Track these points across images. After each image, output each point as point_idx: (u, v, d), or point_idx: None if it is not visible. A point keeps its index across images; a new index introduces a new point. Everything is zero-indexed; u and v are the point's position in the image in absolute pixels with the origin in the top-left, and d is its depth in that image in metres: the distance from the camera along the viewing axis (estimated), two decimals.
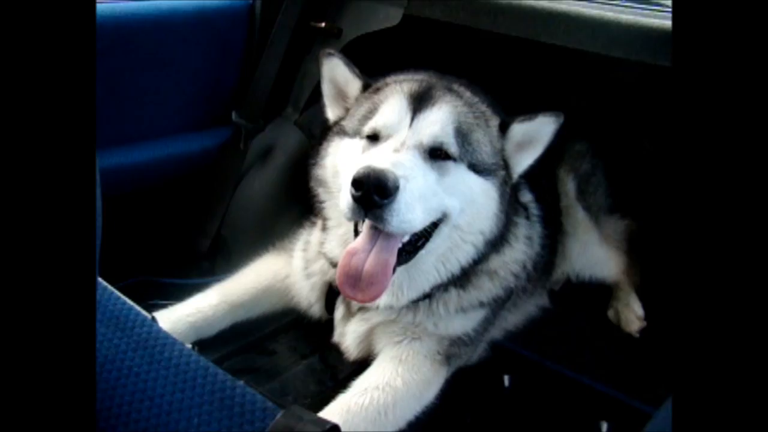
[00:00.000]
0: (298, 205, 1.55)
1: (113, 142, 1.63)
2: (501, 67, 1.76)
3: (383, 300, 1.29)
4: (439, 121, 1.20)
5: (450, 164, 1.20)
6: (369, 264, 1.11)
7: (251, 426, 0.53)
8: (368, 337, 1.38)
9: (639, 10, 1.52)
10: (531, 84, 1.81)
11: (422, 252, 1.22)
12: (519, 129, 1.29)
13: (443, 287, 1.32)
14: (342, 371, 1.45)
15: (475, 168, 1.23)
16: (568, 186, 1.79)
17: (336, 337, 1.44)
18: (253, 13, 1.92)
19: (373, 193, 1.04)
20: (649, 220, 1.84)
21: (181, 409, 0.55)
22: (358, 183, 1.04)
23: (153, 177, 1.77)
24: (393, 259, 1.14)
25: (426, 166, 1.16)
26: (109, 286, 0.70)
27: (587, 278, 1.85)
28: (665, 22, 1.37)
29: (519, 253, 1.40)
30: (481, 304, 1.36)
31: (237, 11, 1.91)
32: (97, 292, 0.59)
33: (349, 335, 1.39)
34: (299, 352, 1.52)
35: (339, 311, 1.42)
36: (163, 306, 1.44)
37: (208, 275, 1.79)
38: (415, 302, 1.32)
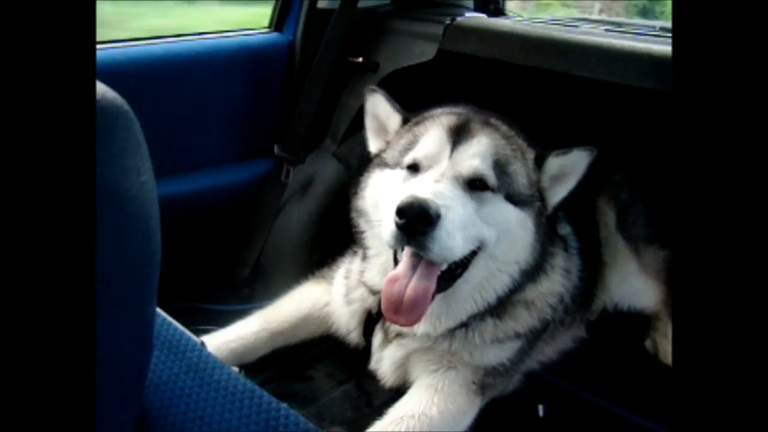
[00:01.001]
0: (336, 235, 1.59)
1: (161, 173, 1.71)
2: (535, 101, 1.79)
3: (421, 327, 1.31)
4: (478, 153, 1.24)
5: (488, 195, 1.23)
6: (410, 289, 1.15)
7: None
8: (404, 365, 1.40)
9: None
10: (566, 117, 1.83)
11: (460, 281, 1.25)
12: (554, 162, 1.32)
13: (480, 317, 1.33)
14: (377, 398, 1.46)
15: (512, 199, 1.26)
16: (608, 216, 1.79)
17: (373, 364, 1.47)
18: (293, 49, 2.00)
19: (417, 222, 1.08)
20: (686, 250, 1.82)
21: (230, 429, 0.59)
22: (401, 211, 1.08)
23: (197, 206, 1.84)
24: (433, 286, 1.17)
25: (465, 196, 1.19)
26: (162, 312, 0.75)
27: (625, 308, 1.83)
28: None
29: (556, 284, 1.41)
30: (517, 335, 1.37)
31: (278, 47, 2.00)
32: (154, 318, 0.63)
33: (385, 361, 1.42)
34: (336, 379, 1.54)
35: (377, 338, 1.45)
36: (205, 331, 1.49)
37: (248, 302, 1.84)
38: (451, 331, 1.34)
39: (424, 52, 1.84)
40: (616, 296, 1.81)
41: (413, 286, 1.16)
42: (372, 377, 1.47)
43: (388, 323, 1.40)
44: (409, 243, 1.12)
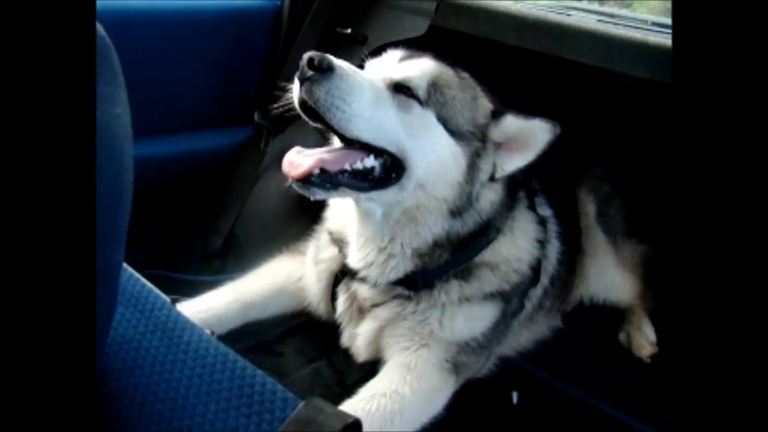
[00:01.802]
0: (314, 209, 1.54)
1: (135, 132, 1.65)
2: (525, 83, 1.76)
3: (373, 270, 1.31)
4: (416, 67, 1.24)
5: (415, 105, 1.21)
6: (303, 155, 1.19)
7: (271, 415, 0.52)
8: (377, 340, 1.37)
9: (668, 35, 1.53)
10: (552, 100, 1.80)
11: (393, 203, 1.24)
12: (511, 122, 1.27)
13: (444, 279, 1.31)
14: (350, 377, 1.43)
15: (446, 124, 1.22)
16: (589, 207, 1.79)
17: (345, 340, 1.44)
18: (279, 16, 1.93)
19: (307, 68, 1.10)
20: (665, 245, 1.84)
21: (198, 394, 0.54)
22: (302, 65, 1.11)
23: (171, 171, 1.78)
24: (329, 159, 1.17)
25: (386, 93, 1.19)
26: (129, 268, 0.69)
27: (601, 300, 1.84)
28: None
29: (522, 251, 1.39)
30: (485, 297, 1.34)
31: (264, 13, 1.93)
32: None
33: (359, 337, 1.38)
34: (307, 355, 1.50)
35: (343, 306, 1.42)
36: (174, 301, 1.43)
37: (219, 274, 1.79)
38: (409, 285, 1.31)
39: (415, 27, 1.79)
40: (593, 288, 1.82)
41: (308, 153, 1.19)
42: (345, 356, 1.44)
43: (353, 286, 1.38)
44: (301, 89, 1.13)
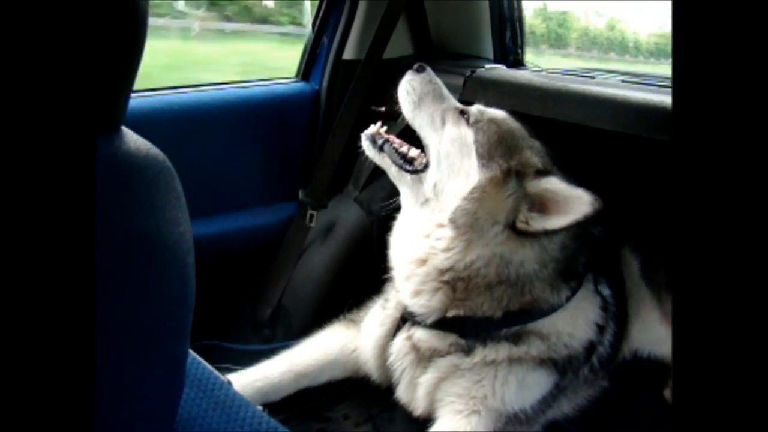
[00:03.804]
0: (357, 279, 1.62)
1: (191, 214, 1.78)
2: (555, 152, 1.83)
3: (419, 302, 1.39)
4: (482, 106, 1.52)
5: (463, 122, 1.44)
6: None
7: None
8: (435, 392, 1.41)
9: None
10: (585, 168, 1.85)
11: (413, 189, 1.45)
12: (553, 182, 1.33)
13: (494, 334, 1.36)
14: None
15: (478, 147, 1.38)
16: (632, 265, 1.79)
17: (401, 392, 1.48)
18: (318, 98, 2.09)
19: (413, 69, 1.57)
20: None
21: None
22: None
23: (223, 247, 1.90)
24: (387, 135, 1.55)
25: (452, 109, 1.50)
26: (192, 351, 0.79)
27: (645, 356, 1.82)
28: None
29: (577, 329, 1.43)
30: (536, 363, 1.38)
31: (304, 96, 2.09)
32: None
33: (420, 387, 1.43)
34: (353, 420, 1.56)
35: (397, 346, 1.47)
36: (227, 370, 1.53)
37: (268, 342, 1.87)
38: (460, 331, 1.37)
39: None
40: (637, 343, 1.80)
41: None
42: (390, 420, 1.49)
43: (411, 331, 1.44)
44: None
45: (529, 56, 2.36)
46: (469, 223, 1.32)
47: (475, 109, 1.48)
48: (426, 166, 1.44)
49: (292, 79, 2.15)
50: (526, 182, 1.34)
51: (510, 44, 2.26)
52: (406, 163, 1.46)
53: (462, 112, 1.47)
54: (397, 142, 1.50)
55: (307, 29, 2.16)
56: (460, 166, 1.38)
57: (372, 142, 1.51)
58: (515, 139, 1.41)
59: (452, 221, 1.33)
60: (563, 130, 1.73)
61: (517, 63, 2.28)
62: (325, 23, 2.08)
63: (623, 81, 1.93)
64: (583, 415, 1.60)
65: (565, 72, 2.12)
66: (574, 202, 1.28)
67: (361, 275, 1.57)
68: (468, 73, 1.94)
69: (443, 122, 1.46)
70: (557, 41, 2.79)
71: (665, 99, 1.57)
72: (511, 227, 1.32)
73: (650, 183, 1.87)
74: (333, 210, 2.02)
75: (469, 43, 2.26)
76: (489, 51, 2.25)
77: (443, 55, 2.23)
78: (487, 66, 2.05)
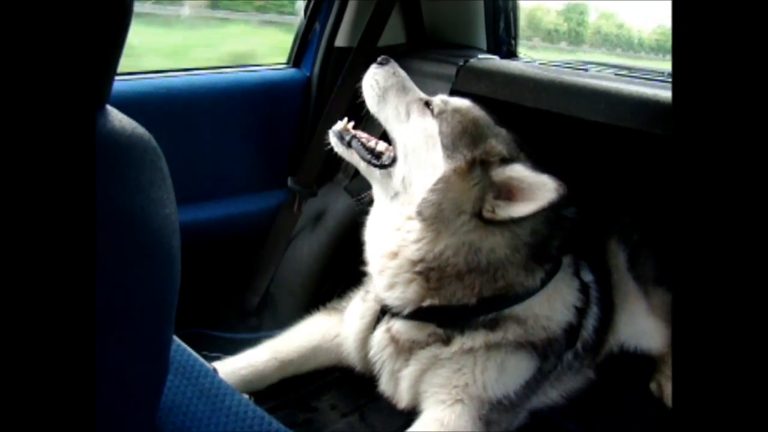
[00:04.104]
0: (346, 268, 1.61)
1: (178, 200, 1.76)
2: (545, 143, 1.83)
3: (394, 293, 1.38)
4: (447, 96, 1.53)
5: (428, 113, 1.44)
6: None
7: None
8: (418, 384, 1.41)
9: None
10: (575, 159, 1.86)
11: (384, 184, 1.44)
12: (518, 169, 1.32)
13: (471, 322, 1.36)
14: (381, 431, 1.47)
15: (443, 138, 1.38)
16: (619, 258, 1.80)
17: (384, 385, 1.48)
18: (310, 85, 2.07)
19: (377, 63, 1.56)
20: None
21: None
22: None
23: (211, 234, 1.88)
24: (355, 130, 1.54)
25: (417, 101, 1.49)
26: (177, 338, 0.77)
27: (632, 349, 1.83)
28: None
29: (555, 311, 1.43)
30: (514, 347, 1.38)
31: (295, 83, 2.07)
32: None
33: (403, 381, 1.43)
34: (340, 411, 1.55)
35: (377, 339, 1.47)
36: (214, 358, 1.51)
37: (256, 331, 1.86)
38: (437, 320, 1.37)
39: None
40: (623, 337, 1.81)
41: None
42: (377, 410, 1.48)
43: (390, 323, 1.44)
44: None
45: (551, 53, 2.35)
46: (436, 214, 1.31)
47: (439, 99, 1.48)
48: (394, 160, 1.43)
49: (284, 66, 2.13)
50: (492, 170, 1.33)
51: (503, 35, 2.25)
52: (374, 157, 1.46)
53: (426, 104, 1.47)
54: (364, 137, 1.50)
55: (299, 16, 2.14)
56: (426, 158, 1.37)
57: (339, 139, 1.51)
58: (479, 128, 1.40)
59: (419, 213, 1.33)
60: (555, 122, 1.73)
61: (510, 54, 2.27)
62: (317, 10, 2.06)
63: (616, 74, 1.93)
64: (569, 407, 1.61)
65: (558, 64, 2.12)
66: (539, 189, 1.28)
67: (349, 264, 1.56)
68: (461, 62, 1.93)
69: (408, 114, 1.45)
70: (575, 38, 3.05)
71: (658, 92, 1.57)
72: (479, 216, 1.31)
73: (642, 176, 1.88)
74: (323, 198, 2.00)
75: (463, 33, 2.25)
76: (482, 41, 2.24)
77: (436, 44, 2.21)
78: (480, 56, 2.04)
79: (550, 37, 3.01)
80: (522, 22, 2.32)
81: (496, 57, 2.11)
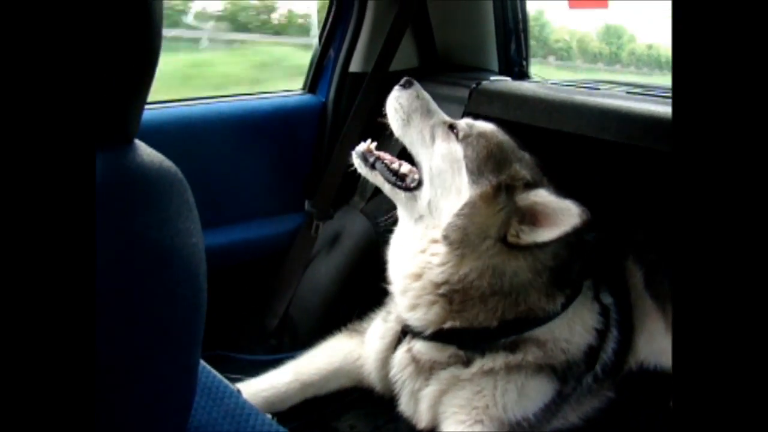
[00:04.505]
0: (363, 289, 1.64)
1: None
2: (559, 163, 1.85)
3: (416, 315, 1.39)
4: (471, 119, 1.52)
5: (452, 137, 1.44)
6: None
7: None
8: (438, 405, 1.42)
9: None
10: (588, 179, 1.86)
11: (409, 208, 1.46)
12: (542, 195, 1.33)
13: (492, 345, 1.37)
14: None
15: (468, 162, 1.39)
16: (636, 277, 1.78)
17: (404, 405, 1.48)
18: (325, 110, 2.11)
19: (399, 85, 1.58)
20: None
21: None
22: None
23: (231, 258, 1.92)
24: (379, 152, 1.54)
25: (441, 124, 1.49)
26: (202, 360, 0.80)
27: (651, 367, 1.82)
28: None
29: (575, 335, 1.43)
30: (534, 370, 1.38)
31: (311, 108, 2.11)
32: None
33: (423, 400, 1.44)
34: (359, 430, 1.57)
35: (398, 359, 1.48)
36: (235, 380, 1.53)
37: (275, 353, 1.88)
38: (459, 343, 1.38)
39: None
40: (643, 355, 1.80)
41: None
42: (395, 430, 1.49)
43: (411, 343, 1.44)
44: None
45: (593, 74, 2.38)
46: (462, 238, 1.33)
47: (464, 123, 1.48)
48: (419, 183, 1.44)
49: (299, 92, 2.17)
50: (516, 196, 1.35)
51: (515, 56, 2.28)
52: (398, 179, 1.47)
53: (451, 127, 1.48)
54: (388, 158, 1.50)
55: (314, 41, 2.19)
56: (451, 183, 1.39)
57: (363, 160, 1.51)
58: (504, 152, 1.42)
59: (445, 237, 1.34)
60: (568, 142, 1.75)
61: (522, 75, 2.29)
62: (331, 36, 2.11)
63: (628, 92, 1.94)
64: (589, 426, 1.60)
65: (570, 83, 2.14)
66: (563, 214, 1.29)
67: (367, 286, 1.58)
68: (473, 85, 1.96)
69: (433, 138, 1.46)
70: (611, 59, 3.37)
71: (669, 110, 1.58)
72: (503, 240, 1.33)
73: (654, 194, 1.88)
74: (339, 221, 2.03)
75: (474, 56, 2.28)
76: (494, 63, 2.27)
77: (448, 67, 2.25)
78: (492, 78, 2.07)
79: (594, 58, 3.39)
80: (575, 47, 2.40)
81: (508, 78, 2.14)
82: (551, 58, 3.30)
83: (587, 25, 3.42)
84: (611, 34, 3.36)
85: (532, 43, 2.30)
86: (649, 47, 3.32)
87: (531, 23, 2.30)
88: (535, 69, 2.29)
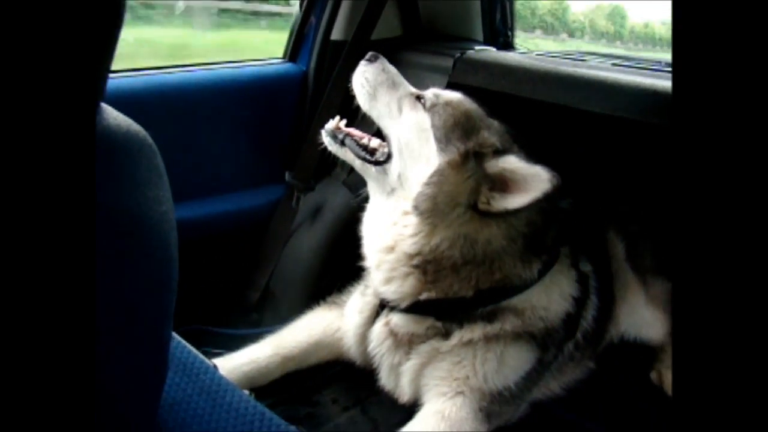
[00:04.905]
0: (345, 262, 1.61)
1: (175, 197, 1.76)
2: (543, 134, 1.83)
3: (391, 288, 1.38)
4: (438, 89, 1.51)
5: (420, 107, 1.43)
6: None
7: None
8: (419, 378, 1.42)
9: None
10: (571, 150, 1.86)
11: (380, 180, 1.44)
12: (511, 161, 1.31)
13: (469, 315, 1.36)
14: (383, 425, 1.48)
15: (435, 131, 1.37)
16: (618, 247, 1.80)
17: (385, 380, 1.48)
18: (306, 79, 2.06)
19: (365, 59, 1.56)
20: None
21: None
22: None
23: (209, 231, 1.88)
24: (348, 128, 1.54)
25: (409, 96, 1.48)
26: (176, 335, 0.77)
27: (632, 339, 1.84)
28: None
29: (552, 302, 1.42)
30: (512, 338, 1.38)
31: (291, 77, 2.06)
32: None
33: (404, 375, 1.43)
34: (341, 404, 1.56)
35: (376, 333, 1.47)
36: (215, 354, 1.51)
37: (256, 326, 1.86)
38: (435, 314, 1.38)
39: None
40: (623, 327, 1.82)
41: None
42: (378, 403, 1.49)
43: (389, 317, 1.44)
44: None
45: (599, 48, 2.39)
46: (432, 207, 1.31)
47: (431, 93, 1.47)
48: (389, 156, 1.43)
49: (280, 60, 2.12)
50: (485, 163, 1.33)
51: (500, 26, 2.24)
52: (368, 154, 1.46)
53: (418, 98, 1.46)
54: (357, 134, 1.49)
55: (295, 9, 2.13)
56: (420, 153, 1.37)
57: (332, 137, 1.50)
58: (472, 120, 1.40)
59: (415, 207, 1.33)
60: (552, 113, 1.73)
61: (507, 45, 2.27)
62: (312, 3, 2.05)
63: (613, 64, 1.93)
64: (569, 397, 1.61)
65: (555, 54, 2.11)
66: (533, 180, 1.27)
67: (349, 258, 1.56)
68: (457, 54, 1.92)
69: (400, 110, 1.45)
70: (613, 36, 3.66)
71: (656, 82, 1.57)
72: (474, 208, 1.31)
73: (639, 166, 1.88)
74: (321, 193, 2.00)
75: (459, 25, 2.24)
76: (479, 33, 2.23)
77: (433, 36, 2.21)
78: (477, 48, 2.04)
79: (600, 36, 3.69)
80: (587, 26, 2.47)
81: (492, 48, 2.11)
82: (564, 35, 3.49)
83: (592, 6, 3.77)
84: (615, 15, 3.66)
85: (553, 21, 2.29)
86: (645, 25, 3.61)
87: (554, 6, 2.31)
88: (549, 44, 2.28)
